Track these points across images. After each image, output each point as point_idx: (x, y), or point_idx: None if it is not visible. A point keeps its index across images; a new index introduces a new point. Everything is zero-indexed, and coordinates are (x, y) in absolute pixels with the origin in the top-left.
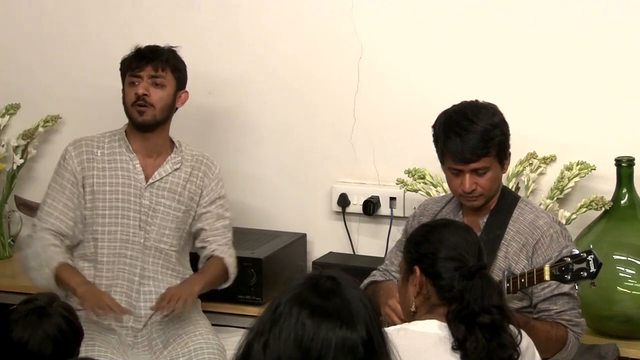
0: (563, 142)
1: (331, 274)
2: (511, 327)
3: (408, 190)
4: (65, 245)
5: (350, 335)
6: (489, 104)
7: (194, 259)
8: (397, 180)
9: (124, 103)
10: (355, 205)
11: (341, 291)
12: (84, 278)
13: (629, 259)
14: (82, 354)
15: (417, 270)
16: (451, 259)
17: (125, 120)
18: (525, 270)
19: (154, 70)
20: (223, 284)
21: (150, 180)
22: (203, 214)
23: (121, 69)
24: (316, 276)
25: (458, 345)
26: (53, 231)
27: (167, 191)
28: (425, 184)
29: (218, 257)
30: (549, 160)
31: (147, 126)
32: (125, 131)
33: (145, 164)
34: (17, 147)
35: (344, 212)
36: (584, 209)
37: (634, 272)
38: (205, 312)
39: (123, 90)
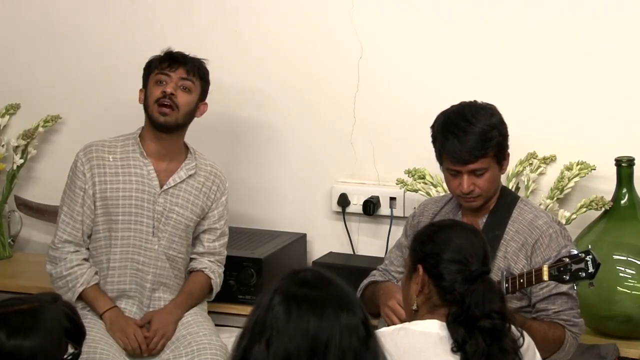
0: (563, 142)
1: (307, 268)
2: (513, 329)
3: (408, 190)
4: (87, 253)
5: (352, 317)
6: (488, 104)
7: None
8: (397, 180)
9: (145, 102)
10: (355, 205)
11: (328, 279)
12: (107, 301)
13: (629, 259)
14: (84, 355)
15: (420, 269)
16: (455, 261)
17: (126, 122)
18: (524, 271)
19: (186, 74)
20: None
21: (165, 187)
22: (210, 229)
23: (147, 69)
24: (297, 272)
25: (457, 347)
26: (72, 242)
27: (181, 199)
28: (425, 184)
29: (206, 275)
30: (549, 160)
31: (167, 127)
32: (140, 135)
33: (159, 169)
34: (17, 147)
35: (344, 212)
36: (584, 209)
37: (634, 272)
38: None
39: (142, 91)
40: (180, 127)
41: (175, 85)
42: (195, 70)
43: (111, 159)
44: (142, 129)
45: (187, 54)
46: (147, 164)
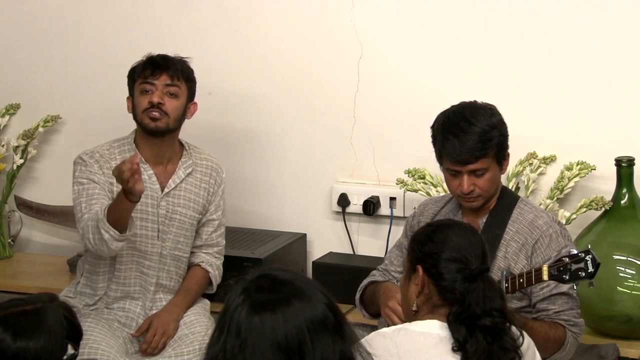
0: (563, 142)
1: (261, 274)
2: (513, 328)
3: (408, 190)
4: None
5: (314, 310)
6: (488, 104)
7: None
8: (397, 180)
9: (134, 111)
10: (355, 205)
11: (282, 279)
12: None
13: (629, 259)
14: (85, 356)
15: (420, 269)
16: (454, 260)
17: (125, 122)
18: (524, 271)
19: (170, 79)
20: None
21: (166, 190)
22: (208, 221)
23: (130, 77)
24: (253, 281)
25: (458, 346)
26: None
27: (182, 199)
28: (425, 184)
29: (204, 269)
30: (549, 160)
31: (159, 132)
32: (134, 140)
33: (158, 172)
34: (17, 147)
35: (344, 212)
36: (584, 209)
37: (634, 272)
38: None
39: (132, 98)
40: (172, 131)
41: (161, 93)
42: (179, 74)
43: (113, 165)
44: (136, 134)
45: (169, 55)
46: (147, 169)
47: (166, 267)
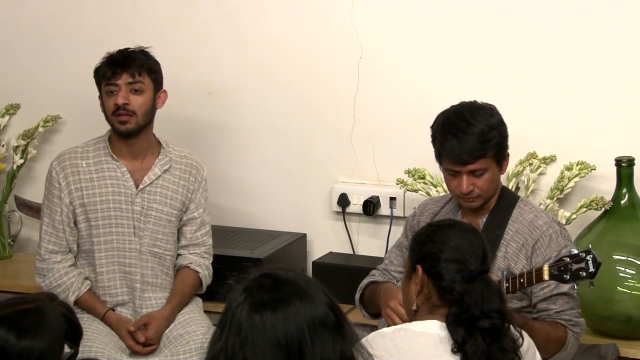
0: (563, 142)
1: (263, 273)
2: (512, 329)
3: (408, 190)
4: (73, 259)
5: (315, 309)
6: (487, 104)
7: None
8: (397, 180)
9: (104, 112)
10: (355, 205)
11: (284, 278)
12: (104, 304)
13: (629, 259)
14: (79, 354)
15: (420, 269)
16: (454, 260)
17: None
18: (524, 270)
19: (131, 77)
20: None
21: (141, 186)
22: (189, 220)
23: (95, 78)
24: (255, 280)
25: (457, 347)
26: (58, 252)
27: (158, 195)
28: (425, 184)
29: (194, 270)
30: (549, 160)
31: (131, 133)
32: (109, 137)
33: (133, 169)
34: (17, 147)
35: (344, 212)
36: (584, 209)
37: (634, 272)
38: (204, 312)
39: (100, 99)
40: (144, 127)
41: (125, 92)
42: (141, 69)
43: (84, 165)
44: (111, 132)
45: (129, 49)
46: (120, 166)
47: (149, 264)
